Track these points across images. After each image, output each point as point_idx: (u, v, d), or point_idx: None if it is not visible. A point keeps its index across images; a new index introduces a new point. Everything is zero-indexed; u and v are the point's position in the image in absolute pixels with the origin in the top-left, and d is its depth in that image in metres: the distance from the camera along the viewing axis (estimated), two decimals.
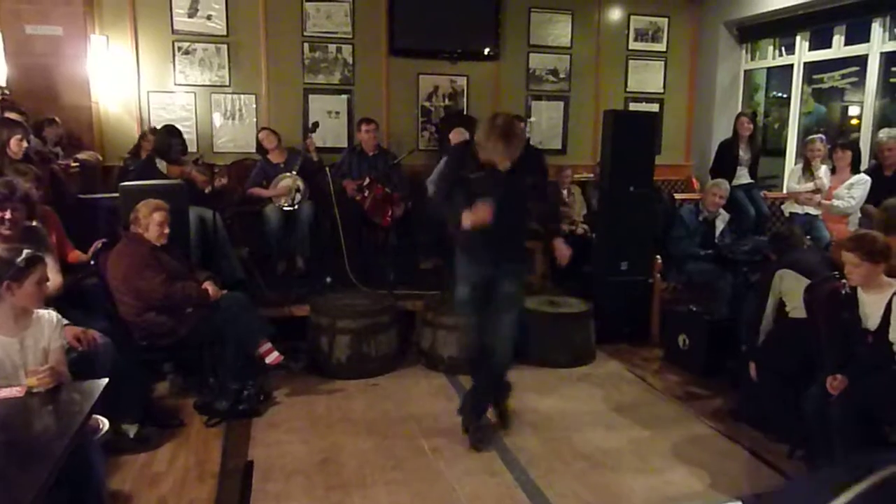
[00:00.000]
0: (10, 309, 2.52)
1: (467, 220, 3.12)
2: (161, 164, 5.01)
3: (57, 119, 5.18)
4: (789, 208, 5.68)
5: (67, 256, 3.92)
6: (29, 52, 5.48)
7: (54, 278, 3.40)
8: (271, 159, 5.64)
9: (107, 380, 2.47)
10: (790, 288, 3.59)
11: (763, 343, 3.74)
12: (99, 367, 3.01)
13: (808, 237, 5.16)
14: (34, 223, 3.48)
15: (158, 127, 5.60)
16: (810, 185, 5.41)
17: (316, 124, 5.79)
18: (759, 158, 6.33)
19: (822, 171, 5.40)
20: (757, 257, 4.74)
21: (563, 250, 3.50)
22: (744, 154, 6.13)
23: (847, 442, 2.81)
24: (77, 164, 5.15)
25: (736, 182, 5.94)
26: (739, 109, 7.05)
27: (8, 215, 3.15)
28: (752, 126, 6.16)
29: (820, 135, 5.68)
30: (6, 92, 5.10)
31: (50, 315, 2.67)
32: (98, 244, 3.97)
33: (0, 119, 4.12)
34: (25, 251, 2.58)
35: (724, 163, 6.14)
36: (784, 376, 3.50)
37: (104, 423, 2.76)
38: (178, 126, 5.64)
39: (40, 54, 5.52)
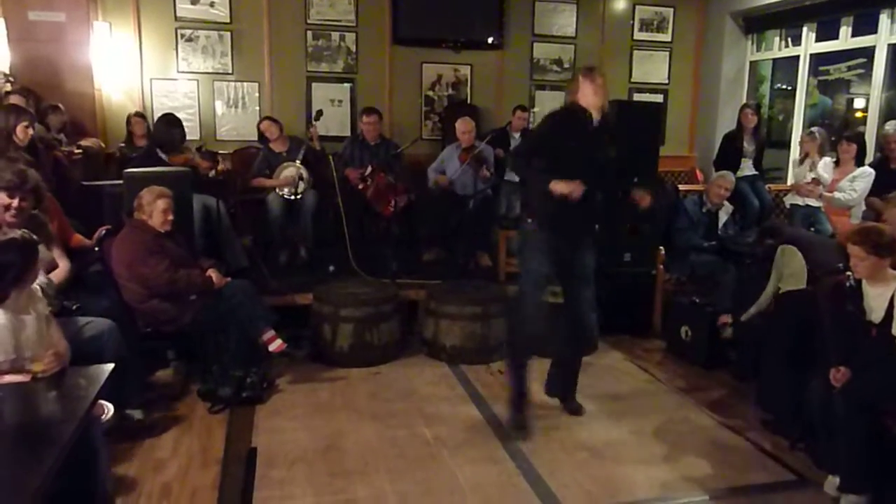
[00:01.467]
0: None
1: (558, 186, 3.23)
2: (162, 154, 5.00)
3: (60, 106, 5.17)
4: (791, 200, 5.67)
5: (70, 241, 3.92)
6: (32, 38, 5.47)
7: (63, 264, 3.42)
8: (273, 148, 5.62)
9: (112, 365, 2.48)
10: (788, 260, 3.64)
11: (763, 326, 3.77)
12: (103, 353, 3.02)
13: (813, 229, 5.17)
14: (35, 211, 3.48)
15: (157, 114, 5.60)
16: (808, 176, 5.40)
17: (319, 112, 5.77)
18: (764, 150, 6.31)
19: (822, 163, 5.38)
20: (759, 250, 4.74)
21: (644, 197, 3.53)
22: (748, 146, 6.10)
23: (850, 434, 2.82)
24: (80, 150, 5.14)
25: (740, 174, 5.92)
26: (744, 101, 7.02)
27: (16, 203, 3.14)
28: (756, 118, 6.13)
29: (815, 128, 5.66)
30: (11, 78, 5.09)
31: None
32: (102, 231, 3.98)
33: (6, 106, 4.11)
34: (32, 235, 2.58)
35: (728, 155, 6.12)
36: (785, 360, 3.50)
37: (109, 409, 2.77)
38: (181, 114, 5.64)
39: (43, 40, 5.51)
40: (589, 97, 3.39)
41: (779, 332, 3.59)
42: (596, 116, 3.41)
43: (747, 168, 6.10)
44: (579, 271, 3.53)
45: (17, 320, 2.48)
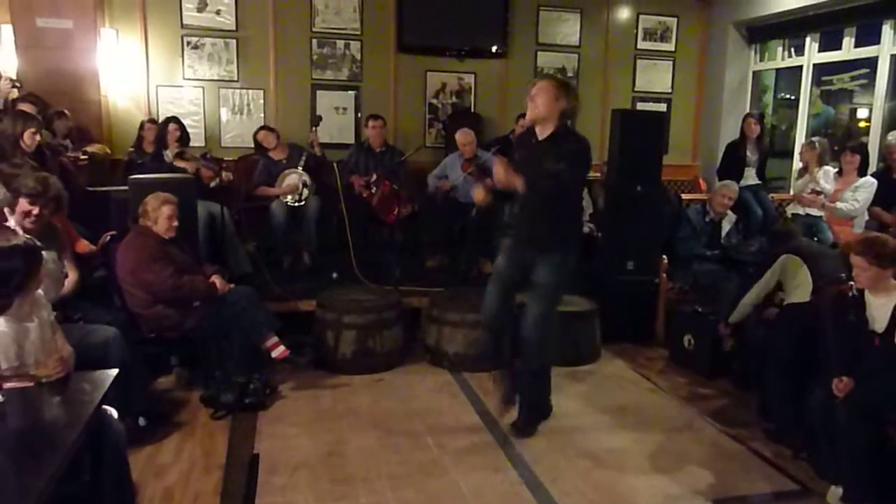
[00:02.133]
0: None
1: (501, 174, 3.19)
2: (168, 157, 5.03)
3: (66, 112, 5.20)
4: (792, 210, 5.67)
5: (76, 247, 3.94)
6: (40, 45, 5.50)
7: (72, 276, 3.43)
8: (273, 157, 5.65)
9: (116, 371, 2.49)
10: (793, 271, 3.63)
11: (764, 336, 3.77)
12: (108, 358, 3.03)
13: (816, 239, 5.17)
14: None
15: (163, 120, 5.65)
16: (809, 187, 5.40)
17: (319, 118, 5.79)
18: (767, 160, 6.31)
19: (823, 173, 5.37)
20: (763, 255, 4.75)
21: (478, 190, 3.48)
22: (751, 155, 6.10)
23: (852, 444, 2.82)
24: (86, 156, 5.17)
25: (743, 183, 5.93)
26: (747, 110, 7.03)
27: (36, 211, 3.16)
28: (759, 127, 6.13)
29: (815, 138, 5.66)
30: (17, 84, 5.13)
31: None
32: (107, 237, 4.00)
33: (14, 112, 4.13)
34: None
35: (731, 164, 6.13)
36: (786, 370, 3.50)
37: (112, 414, 2.77)
38: (187, 120, 5.68)
39: (51, 47, 5.54)
40: (531, 103, 3.30)
41: (780, 345, 3.57)
42: (539, 129, 3.33)
43: (750, 177, 6.10)
44: (534, 282, 3.43)
45: (20, 328, 2.48)
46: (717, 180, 5.97)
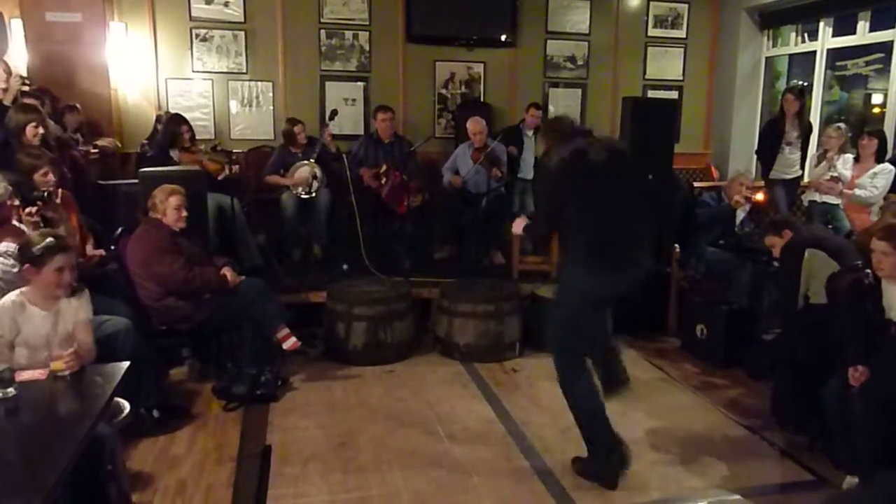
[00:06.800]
0: (42, 287, 2.64)
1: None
2: (174, 153, 5.03)
3: (77, 106, 5.22)
4: (809, 197, 5.58)
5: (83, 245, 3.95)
6: (49, 39, 5.52)
7: None
8: (290, 148, 5.65)
9: (128, 363, 2.50)
10: (819, 270, 3.52)
11: (783, 332, 3.71)
12: (120, 351, 3.05)
13: (830, 227, 5.11)
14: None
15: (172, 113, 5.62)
16: (827, 174, 5.31)
17: (334, 112, 5.79)
18: (810, 140, 5.86)
19: (842, 160, 5.28)
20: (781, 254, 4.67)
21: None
22: (791, 131, 5.70)
23: (868, 434, 2.79)
24: (96, 150, 5.19)
25: (783, 175, 5.71)
26: (760, 97, 6.91)
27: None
28: (799, 103, 5.68)
29: (837, 124, 5.56)
30: (27, 80, 5.13)
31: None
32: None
33: (17, 105, 4.13)
34: (48, 239, 2.63)
35: (769, 142, 5.80)
36: (802, 366, 3.45)
37: (125, 406, 2.79)
38: (196, 113, 5.68)
39: (60, 41, 5.55)
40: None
41: (799, 348, 3.49)
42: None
43: (790, 167, 5.76)
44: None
45: (53, 319, 2.55)
46: (755, 160, 5.79)
